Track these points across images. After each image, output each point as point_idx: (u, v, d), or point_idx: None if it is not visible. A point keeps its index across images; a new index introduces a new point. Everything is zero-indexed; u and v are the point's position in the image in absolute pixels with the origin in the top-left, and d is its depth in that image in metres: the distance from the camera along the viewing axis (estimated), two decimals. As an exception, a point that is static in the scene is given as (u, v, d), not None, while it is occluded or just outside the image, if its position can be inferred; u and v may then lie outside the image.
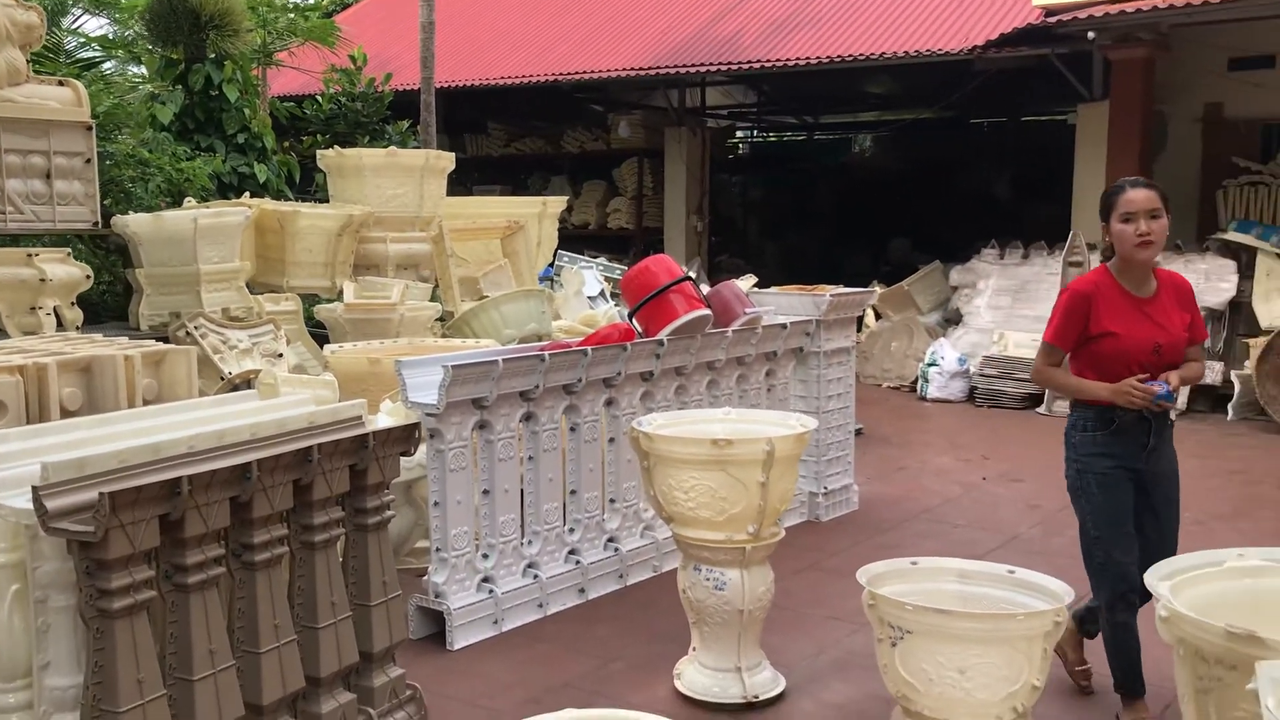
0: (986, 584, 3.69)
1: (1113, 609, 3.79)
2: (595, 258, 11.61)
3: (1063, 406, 9.46)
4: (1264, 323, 9.30)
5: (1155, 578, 3.04)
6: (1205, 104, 12.38)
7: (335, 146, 9.05)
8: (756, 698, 3.94)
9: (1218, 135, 12.38)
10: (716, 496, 3.83)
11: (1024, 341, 10.13)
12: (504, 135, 16.97)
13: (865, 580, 3.58)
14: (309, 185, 10.56)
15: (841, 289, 6.51)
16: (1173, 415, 3.94)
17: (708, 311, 5.52)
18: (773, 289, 6.83)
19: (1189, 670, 2.87)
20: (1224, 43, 11.71)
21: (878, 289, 11.61)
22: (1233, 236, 10.37)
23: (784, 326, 6.07)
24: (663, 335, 5.34)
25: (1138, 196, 3.69)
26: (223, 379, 5.85)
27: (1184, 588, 3.01)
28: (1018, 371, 9.87)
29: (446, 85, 13.59)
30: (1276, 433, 8.65)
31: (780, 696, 4.03)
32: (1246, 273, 9.86)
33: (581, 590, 5.04)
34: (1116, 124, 11.59)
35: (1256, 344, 8.98)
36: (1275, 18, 11.16)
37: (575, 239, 14.17)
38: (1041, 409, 9.57)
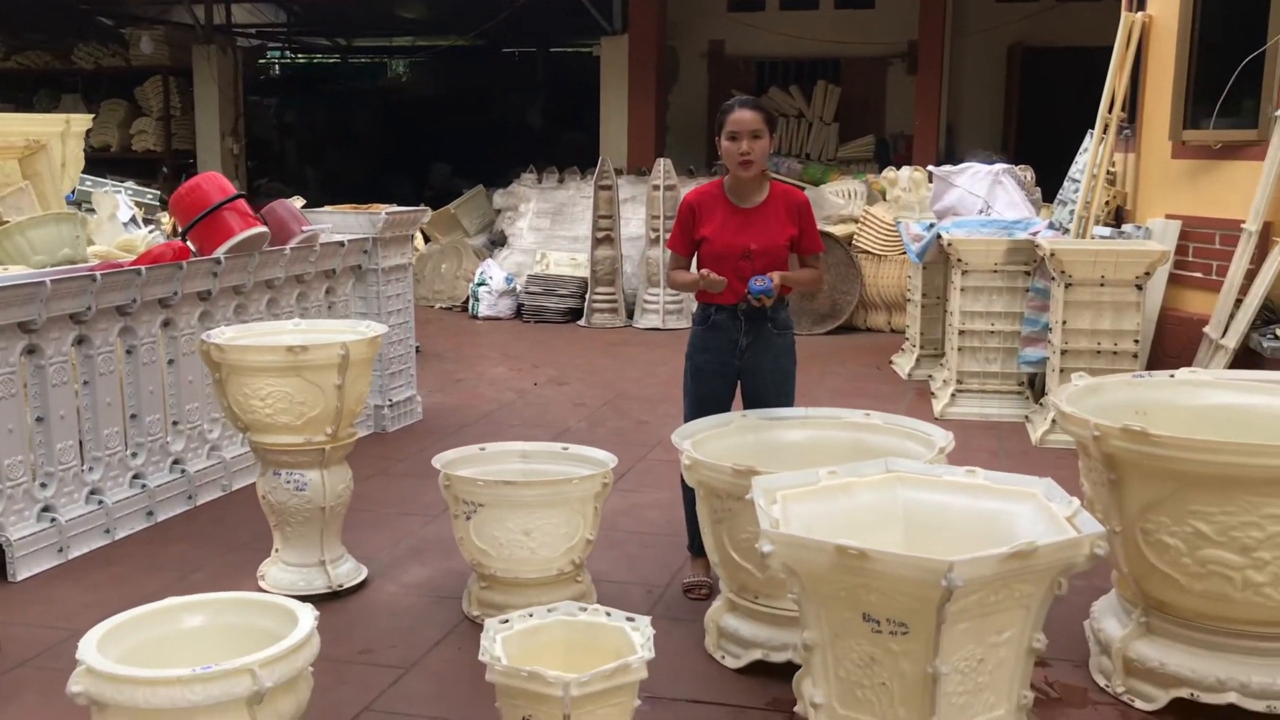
0: (545, 461, 4.20)
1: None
2: (123, 182, 10.92)
3: (601, 319, 10.35)
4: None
5: (679, 436, 3.67)
6: (710, 41, 13.77)
7: None
8: (341, 586, 4.21)
9: (720, 70, 13.84)
10: (294, 402, 4.01)
11: (563, 260, 10.90)
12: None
13: (441, 465, 3.95)
14: None
15: (396, 207, 6.76)
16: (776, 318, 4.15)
17: (265, 229, 5.57)
18: (327, 208, 6.93)
19: (707, 506, 3.54)
20: (724, -14, 13.09)
21: (428, 210, 11.91)
22: (735, 161, 11.73)
23: (342, 244, 6.23)
24: (219, 253, 5.34)
25: (743, 117, 3.97)
26: None
27: (703, 443, 3.67)
28: (559, 288, 10.62)
29: (-74, -12, 12.03)
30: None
31: (364, 584, 4.32)
32: (747, 193, 11.21)
33: (150, 513, 5.00)
34: (635, 57, 12.64)
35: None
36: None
37: (96, 162, 13.09)
38: (581, 321, 10.39)
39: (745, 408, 4.18)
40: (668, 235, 10.03)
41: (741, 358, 4.12)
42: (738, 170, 4.04)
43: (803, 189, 10.86)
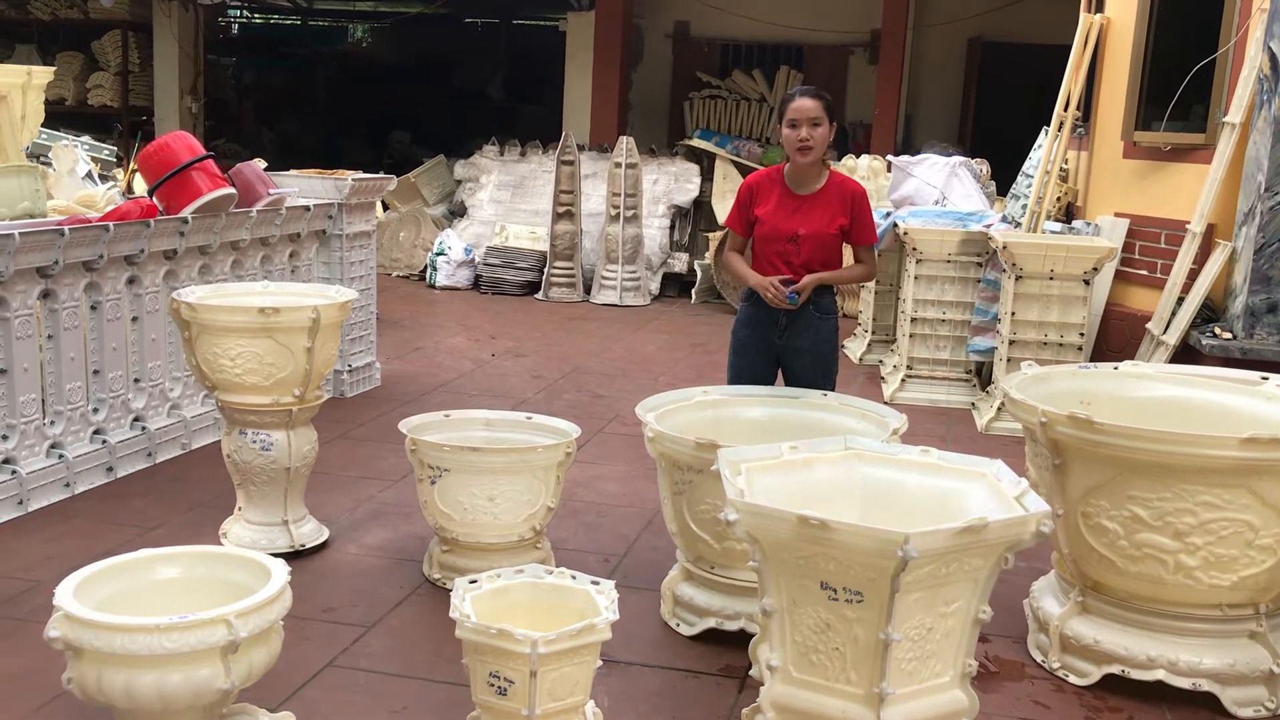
0: (509, 429, 4.28)
1: None
2: (79, 136, 10.80)
3: (559, 293, 10.41)
4: (720, 219, 10.80)
5: (643, 409, 3.76)
6: (675, 21, 13.81)
7: None
8: (304, 546, 4.27)
9: (685, 51, 13.89)
10: (264, 363, 4.06)
11: (523, 234, 10.94)
12: (-48, -6, 14.90)
13: (407, 429, 4.02)
14: None
15: (362, 174, 6.78)
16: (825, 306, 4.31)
17: (232, 190, 5.57)
18: (292, 171, 6.93)
19: (668, 478, 3.64)
20: (690, -33, 13.12)
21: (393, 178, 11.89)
22: (697, 143, 11.83)
23: (308, 208, 6.25)
24: (186, 213, 5.34)
25: (803, 105, 4.08)
26: None
27: (665, 416, 3.77)
28: (518, 261, 10.67)
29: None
30: (730, 313, 10.16)
31: (325, 544, 4.38)
32: (708, 175, 11.34)
33: (110, 469, 5.02)
34: (601, 34, 12.65)
35: (715, 237, 10.42)
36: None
37: (49, 115, 12.87)
38: (539, 295, 10.45)
39: (788, 384, 4.32)
40: (628, 213, 10.22)
41: (782, 337, 4.29)
42: (796, 157, 4.15)
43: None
